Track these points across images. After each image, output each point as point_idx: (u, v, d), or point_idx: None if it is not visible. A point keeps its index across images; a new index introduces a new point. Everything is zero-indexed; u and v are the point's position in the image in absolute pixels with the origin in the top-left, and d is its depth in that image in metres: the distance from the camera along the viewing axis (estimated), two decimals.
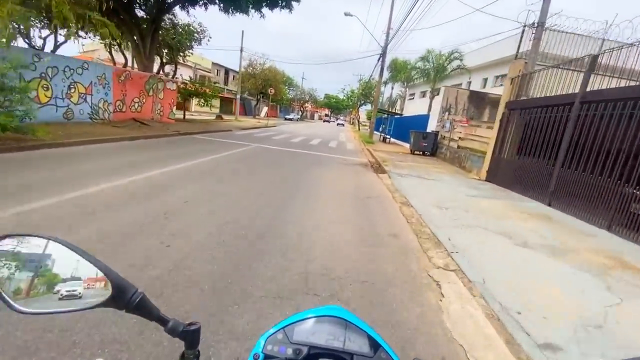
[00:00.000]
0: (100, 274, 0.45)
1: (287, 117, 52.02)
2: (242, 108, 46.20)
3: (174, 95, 15.38)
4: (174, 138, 11.35)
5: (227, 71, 44.52)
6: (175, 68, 18.35)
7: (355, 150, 15.13)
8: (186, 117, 20.07)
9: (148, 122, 12.74)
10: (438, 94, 25.61)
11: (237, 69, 43.49)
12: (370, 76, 34.18)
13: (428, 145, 14.34)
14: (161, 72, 18.18)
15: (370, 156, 13.10)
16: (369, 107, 54.78)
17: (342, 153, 13.17)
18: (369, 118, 62.30)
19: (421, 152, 14.84)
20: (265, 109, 51.93)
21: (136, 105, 13.16)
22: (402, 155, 14.15)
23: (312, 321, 0.62)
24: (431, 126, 16.16)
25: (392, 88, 37.52)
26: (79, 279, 0.46)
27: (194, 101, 36.84)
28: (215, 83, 42.01)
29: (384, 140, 22.59)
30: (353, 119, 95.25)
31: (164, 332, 0.47)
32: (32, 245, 0.46)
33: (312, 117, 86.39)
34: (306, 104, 68.53)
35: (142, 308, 0.46)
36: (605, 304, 2.80)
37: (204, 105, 18.92)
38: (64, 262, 0.45)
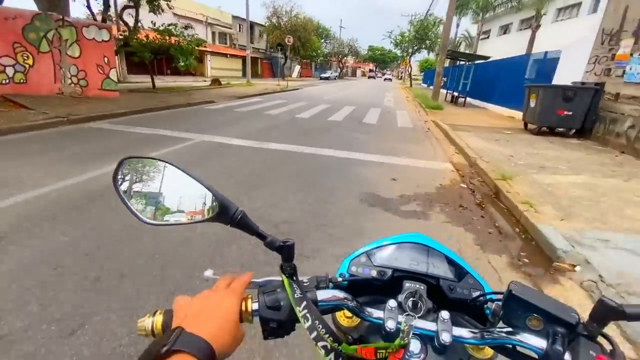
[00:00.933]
0: (209, 194, 0.49)
1: (323, 75, 44.19)
2: (269, 69, 39.59)
3: (109, 51, 9.37)
4: (36, 134, 5.51)
5: (251, 26, 37.35)
6: (137, 12, 12.28)
7: (415, 132, 8.04)
8: (163, 85, 14.37)
9: (30, 104, 7.00)
10: (538, 24, 16.58)
11: (264, 23, 36.33)
12: (427, 12, 24.61)
13: (575, 116, 6.82)
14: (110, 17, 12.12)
15: (453, 147, 6.13)
16: (423, 55, 44.47)
17: (387, 146, 6.31)
18: (422, 70, 52.16)
19: (548, 129, 7.40)
20: (297, 69, 44.63)
21: (11, 71, 7.42)
22: (514, 136, 6.89)
23: (394, 247, 0.62)
24: (562, 77, 8.37)
25: (458, 25, 27.42)
26: (182, 212, 0.51)
27: (211, 60, 30.71)
28: (233, 39, 35.38)
29: (454, 101, 14.76)
30: (401, 72, 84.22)
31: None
32: (153, 168, 0.52)
33: (353, 74, 76.72)
34: (346, 59, 58.57)
35: (244, 224, 0.49)
36: None
37: (180, 63, 12.84)
38: (180, 183, 0.50)
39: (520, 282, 0.44)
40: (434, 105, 11.96)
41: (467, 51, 31.76)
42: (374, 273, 0.56)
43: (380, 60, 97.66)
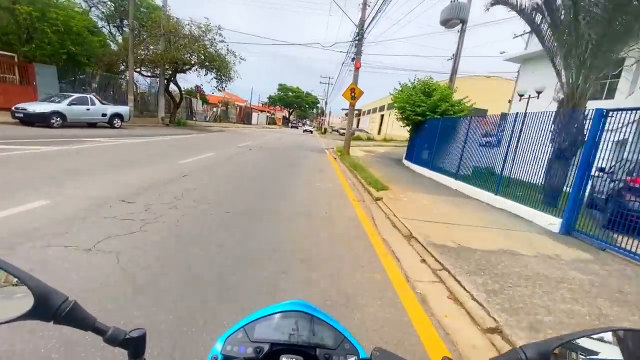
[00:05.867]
0: (20, 283, 0.39)
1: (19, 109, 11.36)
2: None
3: None
4: None
5: None
6: None
7: None
8: None
9: None
10: None
11: None
12: None
13: None
14: None
15: None
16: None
17: None
18: (403, 115, 26.54)
19: None
20: None
21: None
22: None
23: (273, 317, 0.59)
24: None
25: None
26: None
27: None
28: None
29: None
30: (321, 122, 58.87)
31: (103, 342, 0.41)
32: None
33: (244, 120, 46.01)
34: (200, 72, 22.19)
35: (74, 318, 0.41)
36: None
37: None
38: None
39: (382, 348, 0.45)
40: None
41: None
42: (249, 350, 0.53)
43: (297, 105, 70.91)
